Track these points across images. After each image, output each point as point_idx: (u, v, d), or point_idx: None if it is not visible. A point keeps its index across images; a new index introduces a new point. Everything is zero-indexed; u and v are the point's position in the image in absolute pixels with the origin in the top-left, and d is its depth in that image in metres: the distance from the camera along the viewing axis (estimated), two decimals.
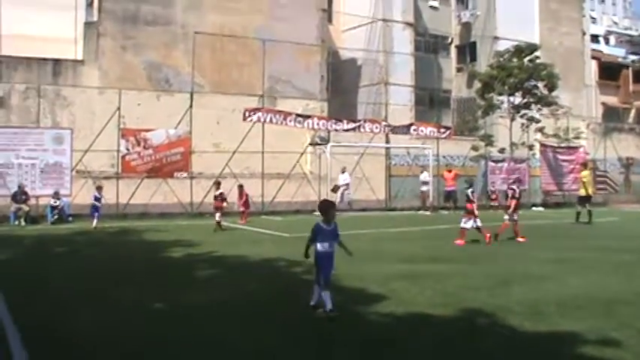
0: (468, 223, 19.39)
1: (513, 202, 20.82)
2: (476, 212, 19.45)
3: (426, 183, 36.16)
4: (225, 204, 24.48)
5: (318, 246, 9.52)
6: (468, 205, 19.71)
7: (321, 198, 30.48)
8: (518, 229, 20.49)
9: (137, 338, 8.40)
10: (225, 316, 9.71)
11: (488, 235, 19.21)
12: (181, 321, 9.36)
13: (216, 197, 24.39)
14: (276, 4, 36.82)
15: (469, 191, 19.98)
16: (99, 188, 26.16)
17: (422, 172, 36.93)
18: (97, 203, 25.22)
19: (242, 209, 27.34)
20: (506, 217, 20.96)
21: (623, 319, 9.10)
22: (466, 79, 48.22)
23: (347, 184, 34.16)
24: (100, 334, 8.57)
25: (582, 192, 28.00)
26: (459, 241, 19.13)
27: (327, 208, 9.85)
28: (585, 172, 28.84)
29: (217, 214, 23.52)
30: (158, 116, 31.61)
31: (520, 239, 20.01)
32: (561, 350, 7.80)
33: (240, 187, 27.96)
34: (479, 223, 19.47)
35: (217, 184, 25.10)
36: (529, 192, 41.49)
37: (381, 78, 42.78)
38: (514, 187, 21.49)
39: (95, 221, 24.26)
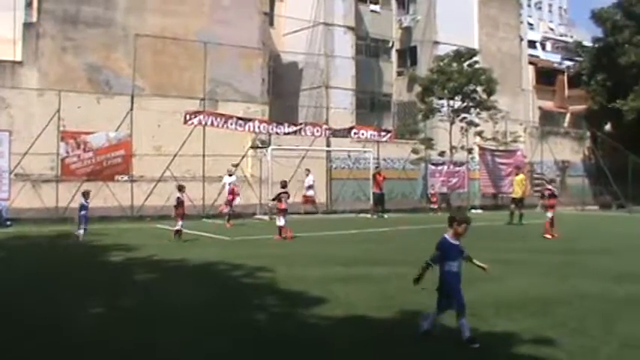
0: (282, 221, 20.99)
1: (552, 201, 23.06)
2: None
3: (310, 187, 34.95)
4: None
5: (446, 266, 8.36)
6: (281, 205, 21.16)
7: (266, 201, 30.51)
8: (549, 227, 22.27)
9: (75, 342, 8.26)
10: (162, 320, 9.60)
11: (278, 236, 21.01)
12: (119, 325, 9.23)
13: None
14: (218, 7, 36.59)
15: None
16: (86, 194, 22.68)
17: (307, 175, 35.12)
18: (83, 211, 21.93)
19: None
20: (549, 214, 22.64)
21: (557, 319, 9.27)
22: (407, 83, 48.59)
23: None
24: (37, 337, 8.42)
25: (515, 195, 29.25)
26: (276, 237, 21.05)
27: (466, 219, 8.49)
28: (521, 176, 29.72)
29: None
30: (98, 119, 31.12)
31: (547, 236, 21.50)
32: (498, 350, 7.90)
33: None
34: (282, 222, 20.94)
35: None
36: (468, 195, 42.02)
37: (322, 81, 42.87)
38: (550, 186, 24.04)
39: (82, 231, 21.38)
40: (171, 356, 7.75)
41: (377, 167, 37.45)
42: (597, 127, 49.68)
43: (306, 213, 32.32)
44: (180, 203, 21.47)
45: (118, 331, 8.86)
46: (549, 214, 22.72)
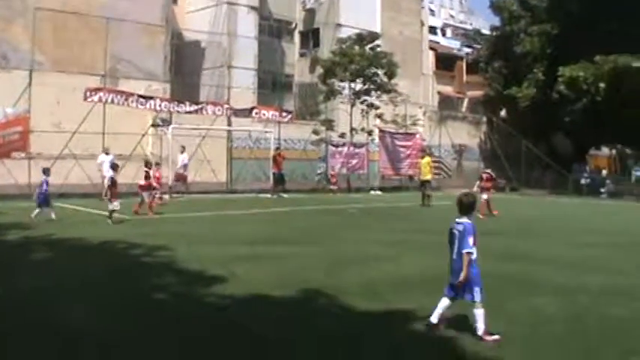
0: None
1: (489, 184, 25.20)
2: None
3: (185, 165, 32.86)
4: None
5: (474, 254, 7.79)
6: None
7: (162, 181, 30.16)
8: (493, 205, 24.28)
9: None
10: (61, 299, 9.44)
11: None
12: (17, 305, 9.05)
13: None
14: None
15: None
16: (46, 171, 21.21)
17: (182, 152, 33.03)
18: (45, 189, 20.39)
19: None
20: (485, 195, 24.19)
21: None
22: (309, 65, 48.78)
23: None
24: None
25: (423, 177, 29.83)
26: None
27: (475, 204, 8.24)
28: (427, 159, 30.45)
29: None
30: None
31: (481, 216, 21.81)
32: (394, 327, 8.10)
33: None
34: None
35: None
36: (368, 176, 42.55)
37: (225, 61, 42.63)
38: (488, 171, 26.47)
39: (46, 211, 19.86)
40: (70, 336, 7.64)
41: (277, 148, 37.46)
42: (493, 113, 51.01)
43: (177, 192, 31.35)
44: (114, 183, 20.45)
45: (15, 313, 8.69)
46: (485, 196, 24.19)
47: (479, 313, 7.51)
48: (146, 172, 22.54)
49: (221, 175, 37.42)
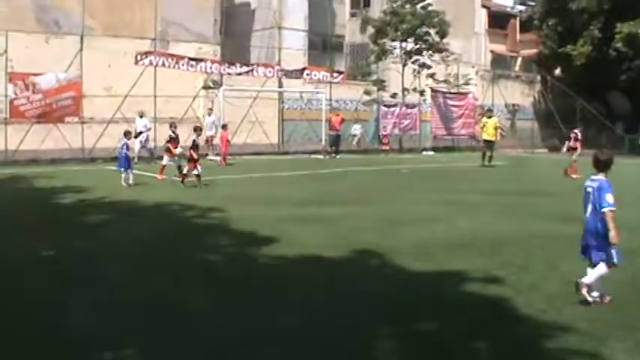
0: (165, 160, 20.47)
1: (579, 144, 24.89)
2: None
3: (148, 130, 30.28)
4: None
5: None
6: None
7: (214, 143, 30.32)
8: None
9: (27, 286, 8.20)
10: (116, 261, 9.54)
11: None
12: (72, 267, 9.18)
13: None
14: None
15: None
16: (128, 133, 20.99)
17: (209, 115, 32.49)
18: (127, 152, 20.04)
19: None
20: (574, 157, 24.30)
21: (506, 258, 9.45)
22: (359, 25, 48.14)
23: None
24: None
25: (485, 136, 29.17)
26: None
27: (611, 161, 7.78)
28: (495, 119, 30.06)
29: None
30: (47, 60, 30.18)
31: (574, 176, 22.47)
32: (449, 287, 8.03)
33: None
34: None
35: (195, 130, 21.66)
36: (420, 136, 42.26)
37: (275, 22, 42.36)
38: (577, 131, 25.88)
39: (131, 176, 19.60)
40: (117, 295, 7.73)
41: (334, 109, 37.53)
42: (547, 72, 49.99)
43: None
44: (195, 146, 19.80)
45: (67, 273, 8.82)
46: (574, 156, 24.41)
47: (599, 272, 7.30)
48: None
49: (273, 137, 37.45)
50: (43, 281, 8.33)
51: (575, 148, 24.91)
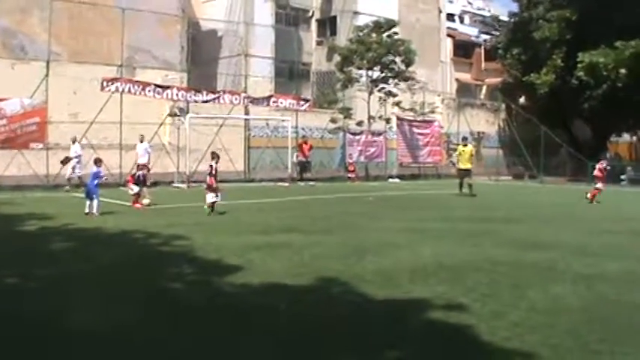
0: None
1: (601, 174, 26.81)
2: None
3: (78, 157, 29.37)
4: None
5: None
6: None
7: (180, 170, 30.22)
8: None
9: None
10: (76, 289, 9.41)
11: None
12: (34, 295, 9.04)
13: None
14: None
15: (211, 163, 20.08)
16: (98, 161, 20.40)
17: (74, 143, 29.70)
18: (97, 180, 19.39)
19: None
20: (598, 185, 26.34)
21: (469, 285, 9.45)
22: (326, 53, 48.54)
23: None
24: None
25: (460, 165, 28.97)
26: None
27: None
28: (471, 148, 29.95)
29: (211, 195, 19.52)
30: (13, 85, 30.12)
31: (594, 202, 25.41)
32: (412, 315, 8.00)
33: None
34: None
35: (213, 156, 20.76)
36: (386, 164, 42.46)
37: (242, 50, 42.49)
38: (604, 162, 28.18)
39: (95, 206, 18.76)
40: (82, 326, 7.60)
41: (303, 136, 37.95)
42: (512, 100, 50.60)
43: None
44: (213, 174, 19.55)
45: (31, 301, 8.68)
46: (599, 186, 26.32)
47: None
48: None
49: (239, 164, 37.41)
50: (4, 309, 8.18)
51: (599, 177, 26.63)
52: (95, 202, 18.71)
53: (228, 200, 23.81)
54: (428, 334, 7.33)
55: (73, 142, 29.59)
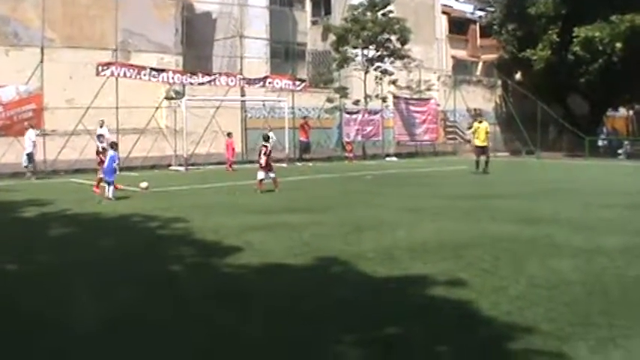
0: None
1: None
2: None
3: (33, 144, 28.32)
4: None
5: None
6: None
7: (177, 153, 30.23)
8: None
9: None
10: (79, 274, 9.42)
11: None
12: (34, 281, 9.06)
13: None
14: None
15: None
16: (114, 145, 20.69)
17: (27, 130, 28.71)
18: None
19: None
20: None
21: (469, 261, 9.48)
22: (321, 33, 48.31)
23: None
24: None
25: (477, 142, 28.68)
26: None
27: None
28: (486, 125, 29.36)
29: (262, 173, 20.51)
30: (7, 72, 29.93)
31: None
32: (413, 292, 8.03)
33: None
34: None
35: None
36: (383, 143, 42.43)
37: (236, 31, 42.30)
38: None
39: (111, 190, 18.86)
40: (83, 309, 7.63)
41: (305, 117, 37.85)
42: (508, 76, 50.49)
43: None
44: (267, 153, 20.44)
45: (31, 287, 8.70)
46: None
47: None
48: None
49: (236, 146, 37.35)
50: (6, 295, 8.21)
51: None
52: (111, 186, 18.76)
53: (226, 182, 23.90)
54: (429, 310, 7.36)
55: (101, 126, 29.34)
